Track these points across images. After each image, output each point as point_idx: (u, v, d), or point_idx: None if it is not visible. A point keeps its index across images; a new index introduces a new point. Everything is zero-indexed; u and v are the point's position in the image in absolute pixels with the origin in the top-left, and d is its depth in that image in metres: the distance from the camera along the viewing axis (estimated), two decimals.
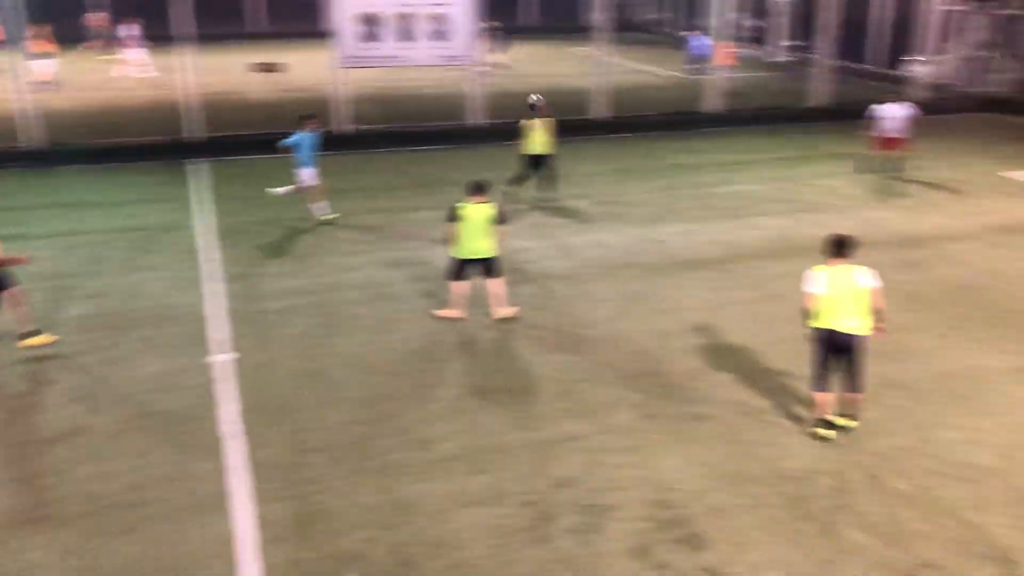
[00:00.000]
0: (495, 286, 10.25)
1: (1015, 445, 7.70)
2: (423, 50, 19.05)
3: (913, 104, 16.46)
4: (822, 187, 16.02)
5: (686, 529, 6.63)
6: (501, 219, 10.03)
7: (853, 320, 7.49)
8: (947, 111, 23.13)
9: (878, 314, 7.56)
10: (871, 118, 16.26)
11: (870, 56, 28.40)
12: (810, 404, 8.11)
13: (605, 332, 10.03)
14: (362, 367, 9.20)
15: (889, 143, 16.16)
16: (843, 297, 7.47)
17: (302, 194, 13.78)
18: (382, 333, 10.00)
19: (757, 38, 33.27)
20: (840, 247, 7.63)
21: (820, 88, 22.68)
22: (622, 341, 9.79)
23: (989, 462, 7.45)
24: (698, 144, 19.63)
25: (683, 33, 31.61)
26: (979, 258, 12.26)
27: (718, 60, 23.52)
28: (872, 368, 9.04)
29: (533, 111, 14.79)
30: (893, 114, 16.02)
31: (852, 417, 7.89)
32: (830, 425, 7.82)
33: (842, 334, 7.54)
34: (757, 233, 13.43)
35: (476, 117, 19.93)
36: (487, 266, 10.17)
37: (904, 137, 16.10)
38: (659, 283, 11.47)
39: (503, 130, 19.55)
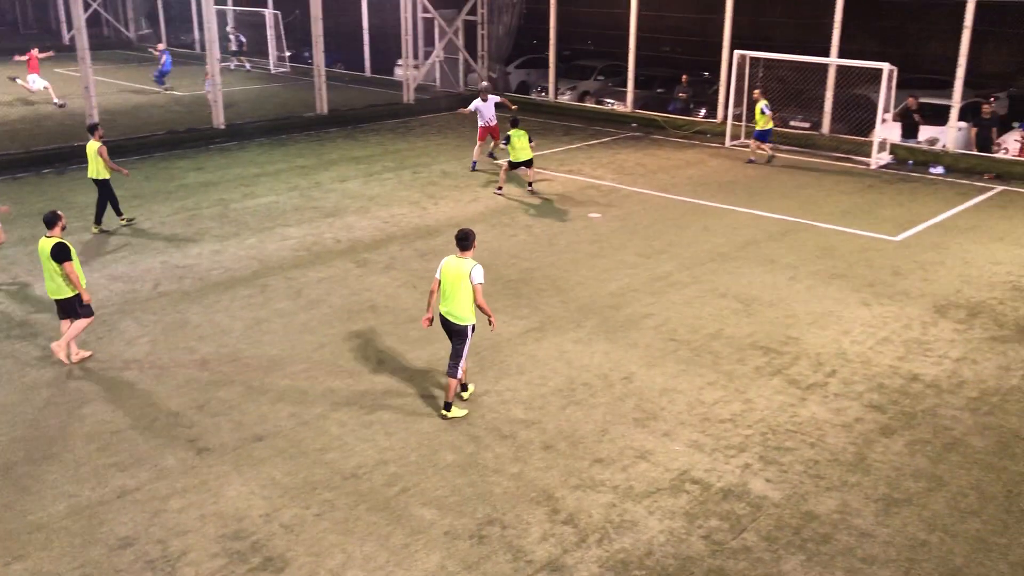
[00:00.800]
0: (66, 328, 9.44)
1: (537, 396, 8.80)
2: None
3: (502, 96, 18.90)
4: (341, 191, 16.61)
5: (263, 554, 6.47)
6: (57, 256, 9.04)
7: (457, 308, 8.11)
8: (435, 110, 25.46)
9: (482, 310, 8.13)
10: (471, 111, 18.21)
11: (369, 63, 30.04)
12: (366, 398, 8.40)
13: (143, 371, 9.32)
14: None
15: (484, 132, 18.10)
16: (450, 287, 8.10)
17: None
18: None
19: (242, 52, 33.26)
20: (459, 241, 8.16)
21: (323, 96, 23.41)
22: (163, 377, 9.19)
23: (520, 415, 8.42)
24: (210, 160, 19.09)
25: (157, 48, 29.85)
26: (484, 238, 13.71)
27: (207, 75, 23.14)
28: (412, 352, 9.69)
29: (91, 132, 13.70)
30: (483, 106, 17.92)
31: (447, 406, 8.38)
32: (463, 387, 8.63)
33: (447, 320, 8.20)
34: (286, 243, 13.50)
35: None
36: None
37: (495, 125, 18.11)
38: (194, 309, 10.97)
39: None
